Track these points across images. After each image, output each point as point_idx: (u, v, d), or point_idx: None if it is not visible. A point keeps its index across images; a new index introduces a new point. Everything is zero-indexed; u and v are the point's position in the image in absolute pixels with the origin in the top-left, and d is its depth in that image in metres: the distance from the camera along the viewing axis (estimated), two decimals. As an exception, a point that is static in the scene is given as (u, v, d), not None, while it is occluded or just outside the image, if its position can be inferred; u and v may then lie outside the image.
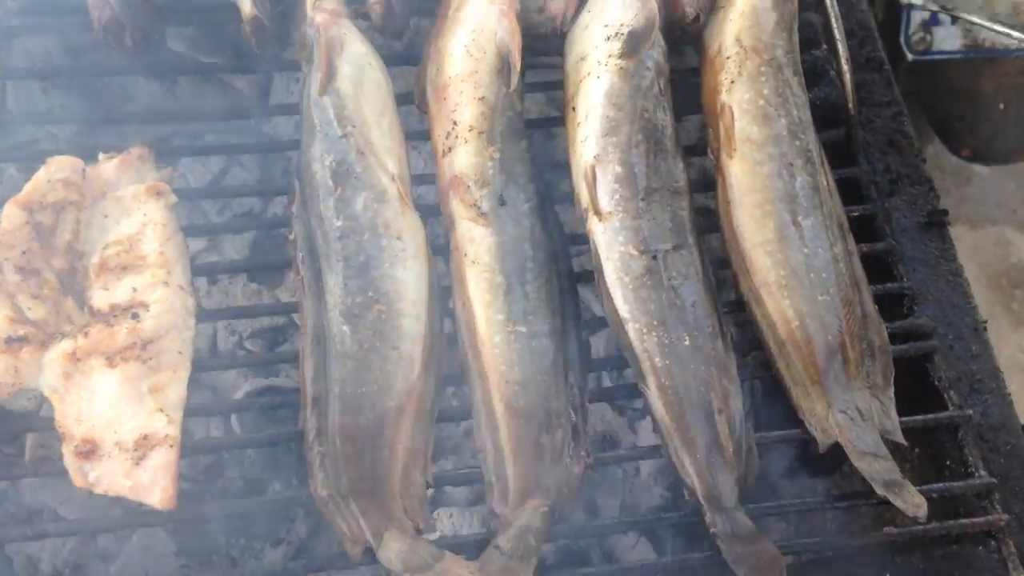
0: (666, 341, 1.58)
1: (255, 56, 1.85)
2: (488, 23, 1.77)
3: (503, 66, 1.74)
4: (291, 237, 1.68)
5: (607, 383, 1.89)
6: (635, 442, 1.98)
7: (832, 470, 1.96)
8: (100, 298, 1.57)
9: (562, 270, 1.68)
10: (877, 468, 1.55)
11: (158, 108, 2.22)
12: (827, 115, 1.93)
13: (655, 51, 1.76)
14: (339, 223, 1.62)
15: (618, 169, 1.66)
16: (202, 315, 1.64)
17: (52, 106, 2.18)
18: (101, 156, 1.70)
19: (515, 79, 1.74)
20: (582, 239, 1.73)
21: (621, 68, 1.72)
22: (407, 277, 1.62)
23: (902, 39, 2.58)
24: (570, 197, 1.76)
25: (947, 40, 2.59)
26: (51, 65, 2.14)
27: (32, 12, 1.95)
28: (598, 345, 1.96)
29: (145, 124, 2.06)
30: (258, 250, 2.15)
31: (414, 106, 1.83)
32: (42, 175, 1.60)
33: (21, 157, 1.84)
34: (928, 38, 2.58)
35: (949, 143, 3.13)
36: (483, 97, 1.72)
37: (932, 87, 2.94)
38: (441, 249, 1.71)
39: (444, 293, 1.66)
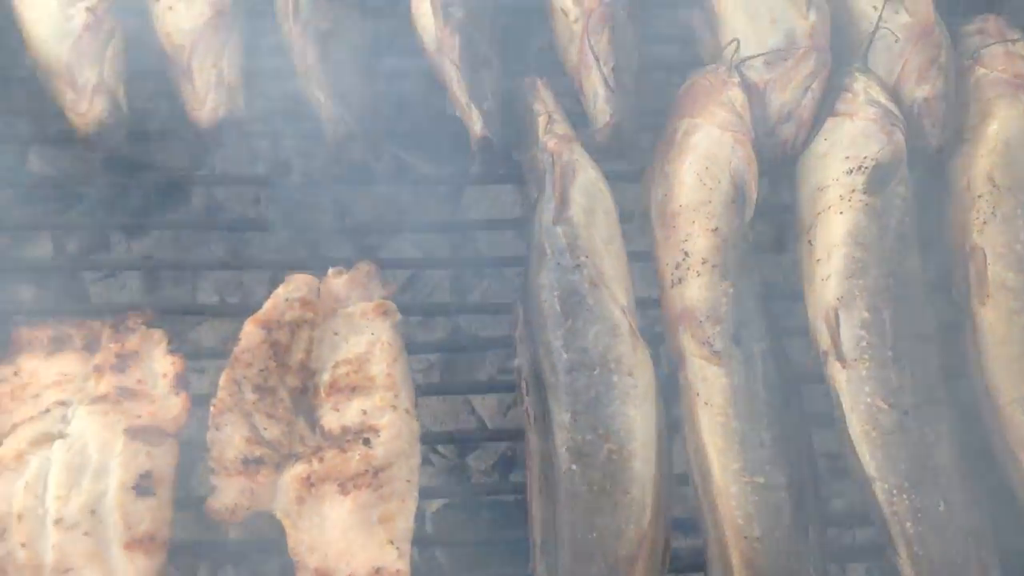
0: (919, 505, 1.48)
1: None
2: (722, 151, 1.72)
3: (737, 196, 1.69)
4: (516, 364, 1.66)
5: (845, 540, 1.79)
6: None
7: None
8: (331, 419, 1.56)
9: (796, 417, 1.60)
10: None
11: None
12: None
13: (902, 186, 1.68)
14: (568, 356, 1.58)
15: (865, 314, 1.58)
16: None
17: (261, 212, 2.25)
18: (331, 271, 1.71)
19: (750, 211, 1.68)
20: (810, 378, 1.66)
21: (867, 205, 1.65)
22: (638, 416, 1.56)
23: None
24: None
25: None
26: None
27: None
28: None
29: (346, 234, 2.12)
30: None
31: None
32: (280, 293, 1.62)
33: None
34: None
35: None
36: (716, 228, 1.66)
37: None
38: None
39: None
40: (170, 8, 1.78)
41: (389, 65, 1.94)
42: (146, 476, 1.41)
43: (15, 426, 1.45)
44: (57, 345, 1.58)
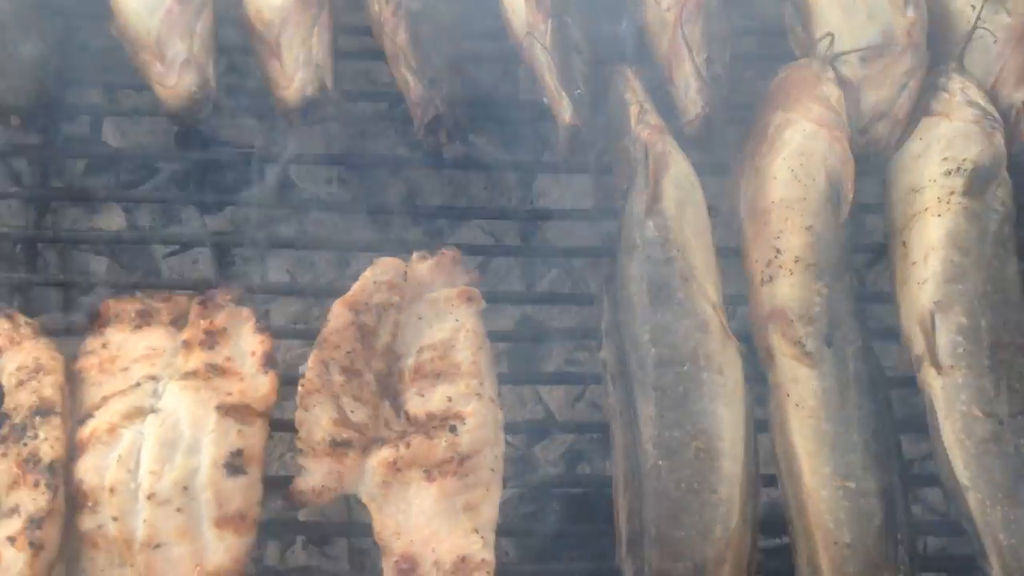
0: (1012, 517, 1.45)
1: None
2: (817, 148, 1.69)
3: (833, 194, 1.66)
4: (601, 356, 1.64)
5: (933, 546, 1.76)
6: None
7: None
8: (416, 404, 1.55)
9: (887, 421, 1.57)
10: None
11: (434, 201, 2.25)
12: None
13: (1001, 190, 1.64)
14: (657, 350, 1.56)
15: (962, 320, 1.55)
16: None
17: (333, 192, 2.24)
18: (415, 256, 1.70)
19: (846, 210, 1.65)
20: (902, 382, 1.63)
21: (966, 208, 1.61)
22: (726, 414, 1.54)
23: None
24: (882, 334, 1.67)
25: None
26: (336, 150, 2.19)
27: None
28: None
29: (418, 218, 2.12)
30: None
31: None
32: (368, 276, 1.60)
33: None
34: None
35: None
36: (811, 226, 1.63)
37: None
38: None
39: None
40: (261, -16, 1.78)
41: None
42: (237, 454, 1.41)
43: (105, 398, 1.45)
44: (144, 319, 1.57)
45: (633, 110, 1.71)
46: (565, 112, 1.73)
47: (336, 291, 1.63)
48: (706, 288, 1.61)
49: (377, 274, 1.61)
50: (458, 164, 2.10)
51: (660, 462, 1.50)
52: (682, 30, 1.78)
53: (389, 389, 1.59)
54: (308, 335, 1.66)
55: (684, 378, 1.54)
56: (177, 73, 1.73)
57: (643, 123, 1.70)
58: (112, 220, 2.20)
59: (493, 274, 2.28)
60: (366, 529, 1.50)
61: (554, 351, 2.20)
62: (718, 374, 1.55)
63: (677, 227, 1.63)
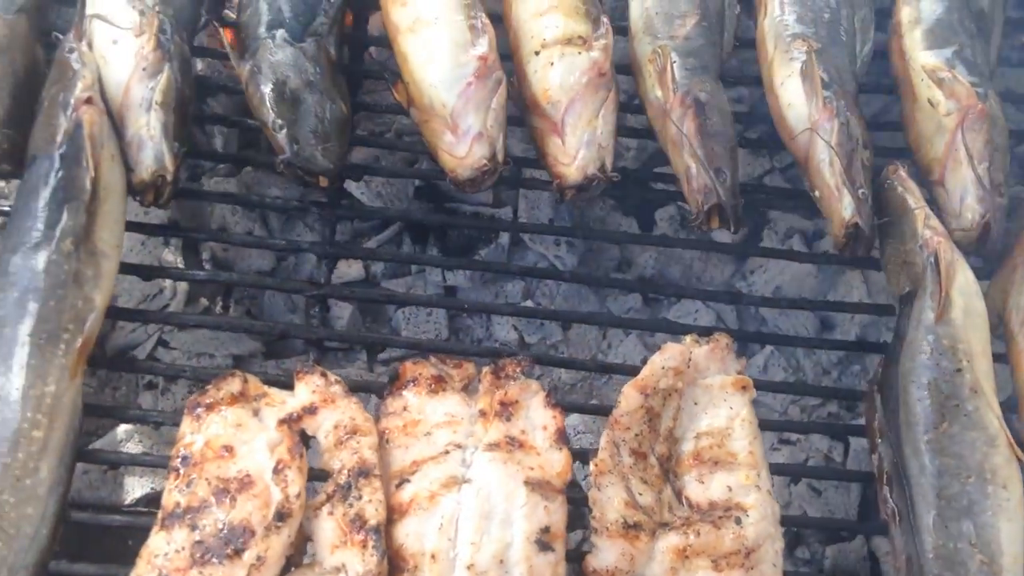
0: None
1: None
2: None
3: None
4: (874, 456, 1.66)
5: None
6: None
7: None
8: (696, 491, 1.59)
9: None
10: None
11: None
12: None
13: None
14: (941, 460, 1.57)
15: None
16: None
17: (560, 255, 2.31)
18: (688, 339, 1.73)
19: None
20: None
21: None
22: (1010, 530, 1.54)
23: None
24: None
25: None
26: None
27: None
28: None
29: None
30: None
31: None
32: (657, 361, 1.65)
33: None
34: None
35: None
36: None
37: None
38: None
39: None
40: (551, 64, 1.83)
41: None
42: (545, 531, 1.46)
43: (416, 463, 1.52)
44: (439, 384, 1.63)
45: (919, 215, 1.73)
46: (846, 210, 1.76)
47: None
48: (991, 401, 1.61)
49: (665, 359, 1.65)
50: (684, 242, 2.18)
51: (945, 573, 1.51)
52: (963, 137, 1.79)
53: (669, 473, 1.62)
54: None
55: (969, 490, 1.55)
56: (468, 145, 1.80)
57: (929, 228, 1.72)
58: (349, 270, 2.29)
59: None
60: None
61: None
62: (1003, 489, 1.56)
63: (965, 336, 1.64)
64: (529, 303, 2.26)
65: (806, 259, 2.27)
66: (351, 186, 2.29)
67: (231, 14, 2.01)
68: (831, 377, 2.30)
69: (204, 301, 2.17)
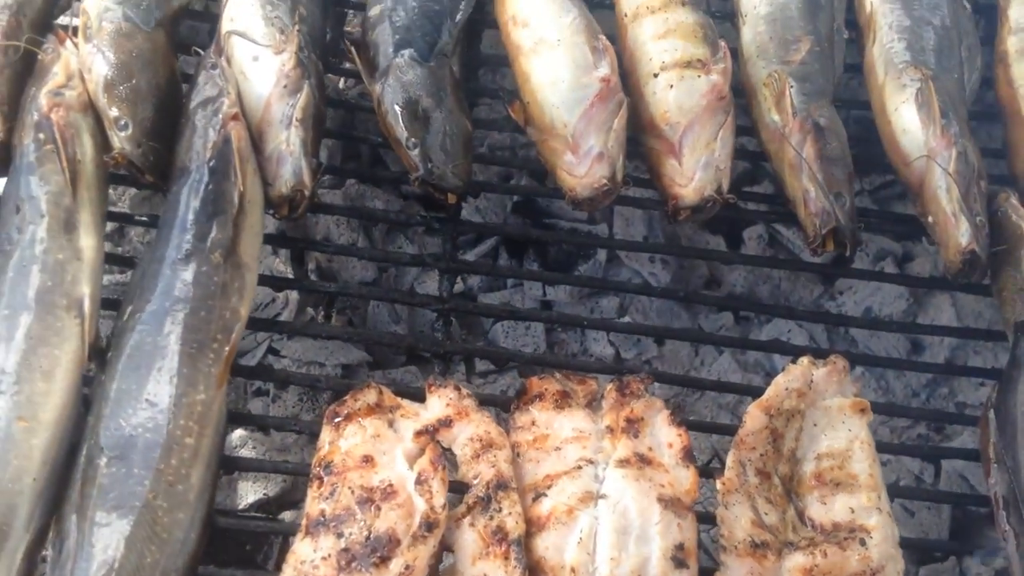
0: None
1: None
2: None
3: None
4: (990, 481, 1.68)
5: None
6: None
7: None
8: (819, 512, 1.61)
9: None
10: None
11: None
12: None
13: None
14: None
15: None
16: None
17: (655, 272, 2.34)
18: (805, 360, 1.76)
19: None
20: None
21: None
22: None
23: None
24: None
25: None
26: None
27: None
28: None
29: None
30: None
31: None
32: (781, 382, 1.68)
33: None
34: None
35: None
36: None
37: None
38: None
39: None
40: (670, 86, 1.87)
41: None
42: (679, 548, 1.49)
43: (549, 477, 1.55)
44: (564, 399, 1.67)
45: (1034, 244, 1.75)
46: (963, 237, 1.78)
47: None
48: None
49: (789, 380, 1.68)
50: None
51: (1067, 599, 1.53)
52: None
53: (791, 493, 1.65)
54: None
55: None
56: (589, 165, 1.83)
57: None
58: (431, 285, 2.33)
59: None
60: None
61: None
62: None
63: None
64: (627, 319, 2.29)
65: (897, 280, 2.31)
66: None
67: (350, 30, 2.07)
68: (920, 399, 2.33)
69: (310, 311, 2.22)
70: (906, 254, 2.48)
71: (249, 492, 1.99)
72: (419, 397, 1.68)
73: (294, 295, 2.16)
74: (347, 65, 2.09)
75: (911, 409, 2.25)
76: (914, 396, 2.34)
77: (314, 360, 2.11)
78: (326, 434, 1.57)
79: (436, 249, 2.30)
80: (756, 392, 1.73)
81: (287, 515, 1.99)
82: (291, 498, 2.01)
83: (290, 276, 2.18)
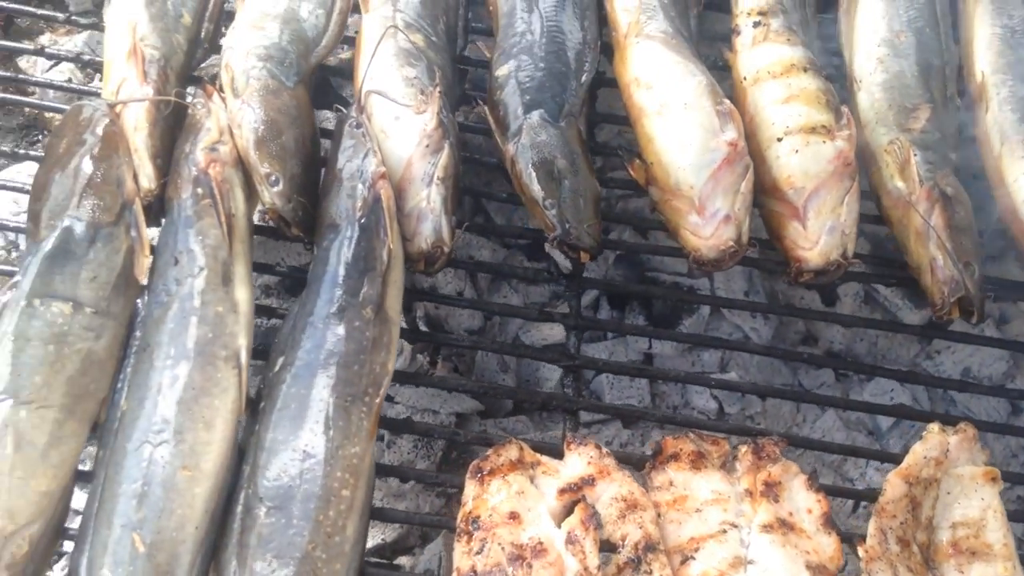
0: None
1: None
2: None
3: None
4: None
5: None
6: None
7: None
8: (957, 581, 1.62)
9: None
10: None
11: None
12: None
13: None
14: None
15: None
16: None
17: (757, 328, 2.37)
18: (935, 427, 1.76)
19: None
20: None
21: None
22: None
23: None
24: None
25: None
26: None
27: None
28: None
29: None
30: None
31: None
32: (919, 450, 1.69)
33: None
34: None
35: None
36: None
37: None
38: None
39: None
40: (795, 151, 1.90)
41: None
42: (828, 615, 1.50)
43: (694, 539, 1.56)
44: (700, 459, 1.68)
45: None
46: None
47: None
48: None
49: (927, 449, 1.70)
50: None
51: None
52: None
53: (928, 561, 1.66)
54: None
55: None
56: (715, 227, 1.86)
57: None
58: (552, 332, 2.36)
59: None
60: None
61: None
62: None
63: None
64: (732, 375, 2.31)
65: (995, 344, 2.31)
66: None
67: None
68: (1019, 461, 2.33)
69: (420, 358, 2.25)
70: (1002, 315, 2.49)
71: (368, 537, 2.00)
72: (548, 452, 1.70)
73: (406, 343, 2.19)
74: (460, 118, 2.14)
75: (1012, 474, 2.25)
76: (1013, 457, 2.34)
77: (428, 407, 2.14)
78: (471, 489, 1.59)
79: (538, 299, 2.37)
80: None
81: (403, 560, 2.01)
82: (406, 544, 2.03)
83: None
